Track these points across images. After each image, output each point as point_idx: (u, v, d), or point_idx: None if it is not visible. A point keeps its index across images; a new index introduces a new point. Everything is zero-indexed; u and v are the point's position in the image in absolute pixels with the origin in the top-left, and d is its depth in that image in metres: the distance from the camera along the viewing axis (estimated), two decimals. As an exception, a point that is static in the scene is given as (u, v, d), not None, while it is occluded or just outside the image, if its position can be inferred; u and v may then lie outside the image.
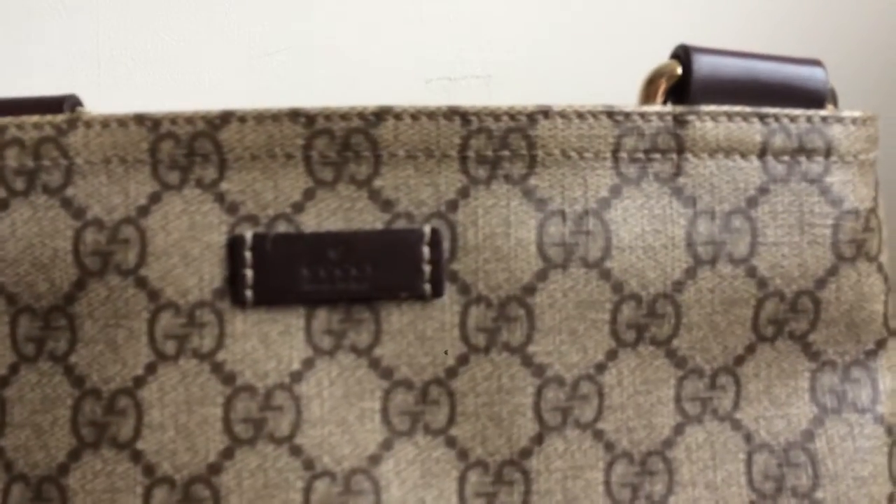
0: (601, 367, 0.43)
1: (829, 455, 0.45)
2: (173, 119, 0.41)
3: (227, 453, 0.40)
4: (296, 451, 0.41)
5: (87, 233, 0.40)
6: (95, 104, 0.46)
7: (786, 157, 0.44)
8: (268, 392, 0.41)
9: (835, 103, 0.45)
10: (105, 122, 0.41)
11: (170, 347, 0.41)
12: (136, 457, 0.41)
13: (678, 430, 0.44)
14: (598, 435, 0.43)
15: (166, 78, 0.67)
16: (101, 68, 0.66)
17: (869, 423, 0.45)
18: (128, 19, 0.67)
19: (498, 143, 0.42)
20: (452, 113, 0.41)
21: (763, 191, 0.43)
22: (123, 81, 0.65)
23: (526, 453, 0.42)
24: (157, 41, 0.67)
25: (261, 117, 0.41)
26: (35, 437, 0.41)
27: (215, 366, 0.41)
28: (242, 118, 0.41)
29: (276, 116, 0.41)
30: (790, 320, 0.44)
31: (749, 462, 0.44)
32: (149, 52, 0.67)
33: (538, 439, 0.42)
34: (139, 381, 0.41)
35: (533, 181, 0.42)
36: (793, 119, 0.43)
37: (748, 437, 0.44)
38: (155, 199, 0.41)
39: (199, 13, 0.67)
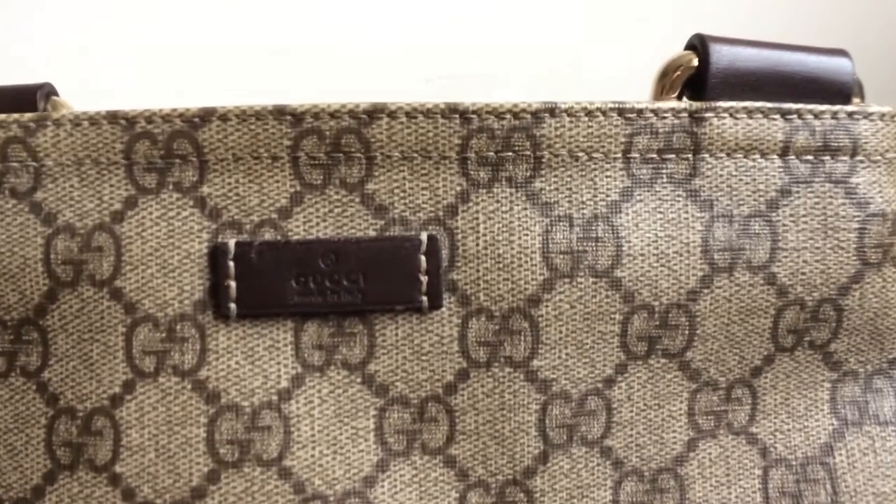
0: (610, 382, 0.41)
1: (849, 470, 0.43)
2: (149, 117, 0.38)
3: (212, 476, 0.38)
4: (285, 473, 0.39)
5: (59, 240, 0.38)
6: (75, 97, 0.43)
7: (809, 157, 0.41)
8: (254, 411, 0.39)
9: (861, 97, 0.43)
10: (76, 121, 0.38)
11: (148, 364, 0.38)
12: (115, 480, 0.38)
13: (691, 445, 0.42)
14: (606, 452, 0.41)
15: (157, 76, 0.66)
16: (80, 60, 0.65)
17: (891, 437, 0.43)
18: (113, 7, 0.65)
19: (500, 144, 0.39)
20: (451, 111, 0.39)
21: (784, 193, 0.41)
22: (105, 75, 0.63)
23: (530, 472, 0.40)
24: (149, 34, 0.66)
25: (244, 115, 0.38)
26: (8, 457, 0.39)
27: (197, 383, 0.39)
28: (224, 116, 0.38)
29: (260, 115, 0.38)
30: (811, 329, 0.42)
31: (765, 478, 0.42)
32: (141, 46, 0.66)
33: (542, 458, 0.40)
34: (116, 400, 0.38)
35: (538, 184, 0.39)
36: (817, 115, 0.41)
37: (764, 452, 0.42)
38: (130, 203, 0.38)
39: (197, 9, 0.66)
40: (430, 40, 0.67)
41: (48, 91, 0.41)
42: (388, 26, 0.67)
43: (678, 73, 0.41)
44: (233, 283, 0.38)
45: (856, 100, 0.42)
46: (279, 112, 0.38)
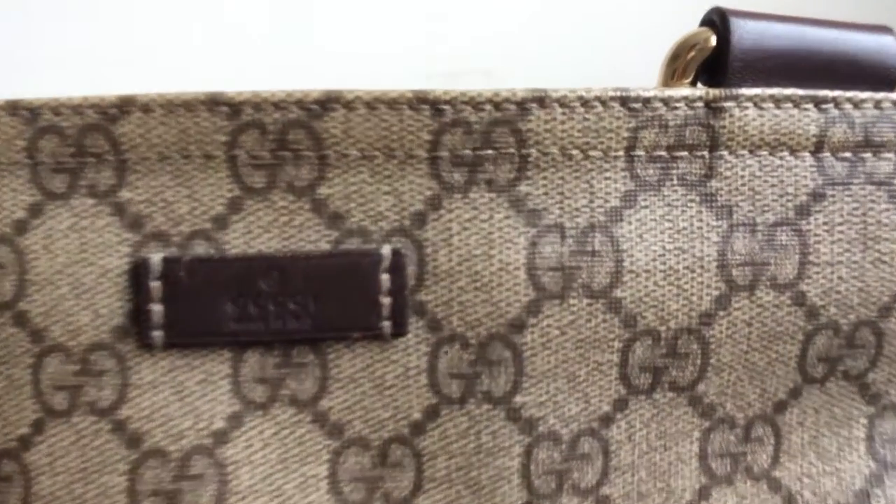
0: (607, 420, 0.36)
1: (890, 520, 0.38)
2: (56, 108, 0.33)
3: None
4: (219, 530, 0.34)
5: None
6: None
7: (847, 154, 0.36)
8: (184, 457, 0.34)
9: None
10: None
11: (60, 401, 0.34)
12: None
13: (703, 493, 0.37)
14: (602, 502, 0.36)
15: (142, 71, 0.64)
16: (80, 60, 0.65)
17: (938, 481, 0.39)
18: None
19: (479, 140, 0.34)
20: (420, 101, 0.34)
21: (817, 197, 0.36)
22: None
23: None
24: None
25: (170, 106, 0.33)
26: None
27: (117, 424, 0.34)
28: (146, 107, 0.33)
29: (190, 105, 0.33)
30: (846, 357, 0.37)
31: None
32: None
33: None
34: (25, 442, 0.34)
35: (523, 188, 0.34)
36: (857, 104, 0.36)
37: (789, 500, 0.37)
38: (35, 211, 0.33)
39: (193, 6, 0.66)
40: (429, 35, 0.68)
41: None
42: (386, 21, 0.68)
43: (692, 54, 0.36)
44: (158, 307, 0.33)
45: (903, 87, 0.38)
46: (213, 102, 0.33)
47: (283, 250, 0.34)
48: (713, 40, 0.36)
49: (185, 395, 0.34)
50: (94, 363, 0.33)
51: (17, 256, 0.33)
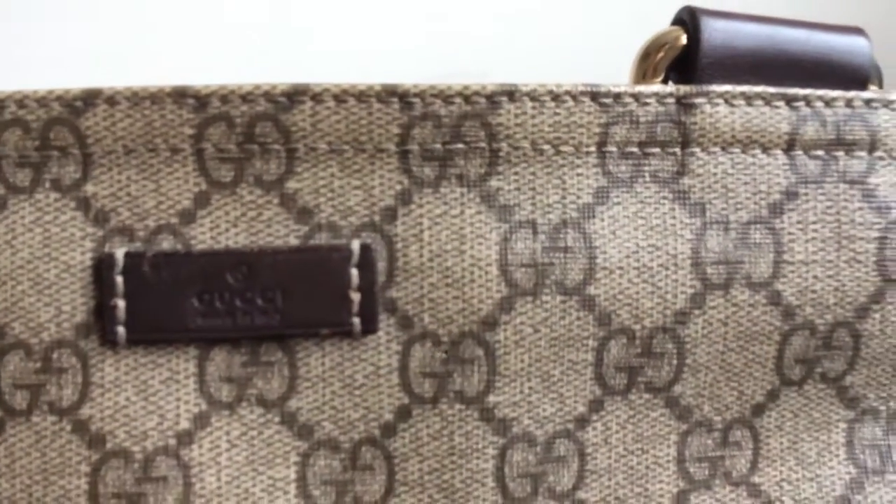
0: (582, 422, 0.35)
1: (871, 527, 0.37)
2: (21, 101, 0.32)
3: None
4: (184, 534, 0.32)
5: None
6: None
7: (819, 152, 0.36)
8: (147, 458, 0.33)
9: (880, 83, 0.38)
10: None
11: (20, 400, 0.32)
12: None
13: (681, 498, 0.36)
14: None
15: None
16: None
17: (920, 487, 0.37)
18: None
19: (449, 134, 0.33)
20: (389, 94, 0.33)
21: (790, 195, 0.35)
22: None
23: None
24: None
25: (136, 98, 0.32)
26: None
27: (78, 424, 0.32)
28: (112, 99, 0.32)
29: (156, 97, 0.32)
30: (823, 359, 0.36)
31: None
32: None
33: None
34: None
35: (494, 182, 0.34)
36: (828, 102, 0.36)
37: None
38: None
39: (190, 7, 0.66)
40: (427, 38, 0.67)
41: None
42: (385, 24, 0.67)
43: (662, 53, 0.36)
44: (121, 303, 0.32)
45: (873, 86, 0.38)
46: (179, 94, 0.32)
47: (250, 245, 0.33)
48: (683, 39, 0.36)
49: (150, 395, 0.33)
50: (55, 361, 0.32)
51: None
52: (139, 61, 0.64)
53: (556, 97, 0.34)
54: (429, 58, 0.66)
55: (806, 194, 0.35)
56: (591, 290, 0.34)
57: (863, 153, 0.36)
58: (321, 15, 0.67)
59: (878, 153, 0.36)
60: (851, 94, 0.36)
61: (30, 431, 0.32)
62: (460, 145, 0.33)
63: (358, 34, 0.67)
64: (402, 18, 0.67)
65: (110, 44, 0.64)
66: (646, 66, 0.36)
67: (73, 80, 0.35)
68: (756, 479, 0.36)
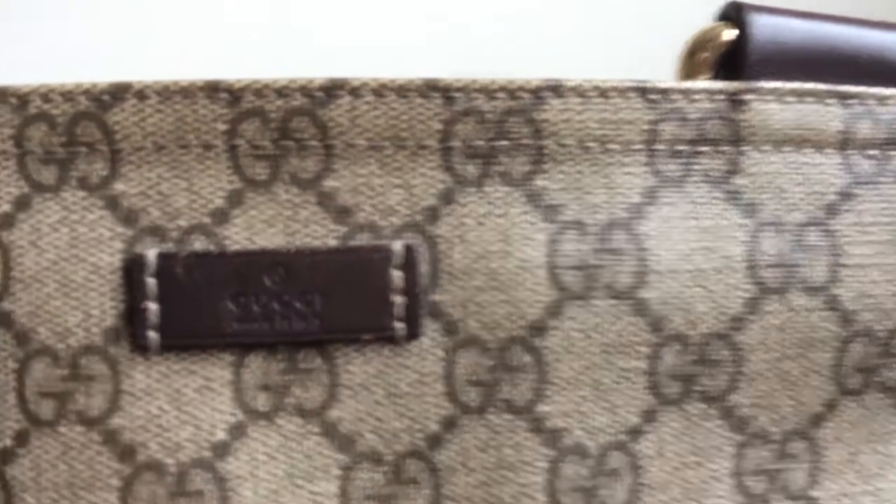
0: (636, 433, 0.33)
1: (935, 546, 0.36)
2: (46, 95, 0.31)
3: None
4: (220, 554, 0.31)
5: None
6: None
7: (874, 151, 0.35)
8: (182, 471, 0.32)
9: None
10: None
11: (46, 409, 0.32)
12: None
13: None
14: None
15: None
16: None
17: None
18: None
19: (493, 130, 0.32)
20: (430, 88, 0.32)
21: (846, 196, 0.34)
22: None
23: None
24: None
25: (167, 93, 0.32)
26: None
27: (108, 435, 0.32)
28: (141, 94, 0.32)
29: (187, 92, 0.32)
30: (881, 368, 0.35)
31: None
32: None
33: None
34: (7, 455, 0.32)
35: (540, 181, 0.33)
36: (882, 100, 0.35)
37: None
38: (23, 204, 0.32)
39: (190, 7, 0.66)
40: (435, 38, 0.67)
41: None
42: (392, 25, 0.67)
43: (709, 50, 0.35)
44: (153, 306, 0.31)
45: (926, 85, 0.37)
46: (212, 88, 0.32)
47: (287, 246, 0.32)
48: (731, 34, 0.35)
49: (183, 404, 0.32)
50: (83, 368, 0.31)
51: (1, 252, 0.31)
52: (139, 61, 0.64)
53: (602, 93, 0.33)
54: (429, 58, 0.65)
55: (861, 195, 0.34)
56: (643, 293, 0.33)
57: (918, 152, 0.35)
58: (321, 15, 0.67)
59: (934, 152, 0.35)
60: (905, 91, 0.35)
61: (56, 443, 0.32)
62: (505, 142, 0.32)
63: (358, 34, 0.67)
64: (402, 18, 0.68)
65: (110, 44, 0.65)
66: (692, 66, 0.35)
67: (73, 79, 0.34)
68: (815, 493, 0.35)
